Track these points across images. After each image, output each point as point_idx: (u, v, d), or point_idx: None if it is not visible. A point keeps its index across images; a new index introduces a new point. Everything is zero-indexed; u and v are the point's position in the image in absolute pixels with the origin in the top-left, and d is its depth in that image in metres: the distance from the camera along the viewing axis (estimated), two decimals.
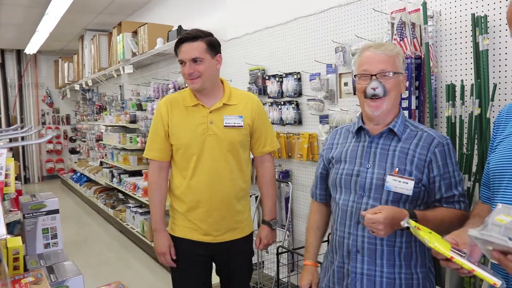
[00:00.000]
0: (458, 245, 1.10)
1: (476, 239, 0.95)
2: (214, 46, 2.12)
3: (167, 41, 4.83)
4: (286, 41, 3.47)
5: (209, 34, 2.14)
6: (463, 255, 1.05)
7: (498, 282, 0.98)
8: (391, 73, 1.54)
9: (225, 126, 2.10)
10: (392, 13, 2.43)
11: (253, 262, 3.43)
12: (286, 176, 3.53)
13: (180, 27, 4.66)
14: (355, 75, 1.64)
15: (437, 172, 1.52)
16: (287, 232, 3.42)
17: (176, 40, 2.11)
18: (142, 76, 6.34)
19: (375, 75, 1.53)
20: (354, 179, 1.59)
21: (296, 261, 3.30)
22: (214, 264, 2.32)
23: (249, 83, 3.82)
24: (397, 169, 1.52)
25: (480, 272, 1.00)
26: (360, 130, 1.66)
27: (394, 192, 1.51)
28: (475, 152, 2.11)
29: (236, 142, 2.12)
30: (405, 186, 1.49)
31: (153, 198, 2.21)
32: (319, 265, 1.85)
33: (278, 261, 3.04)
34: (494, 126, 1.32)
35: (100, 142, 7.74)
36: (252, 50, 3.85)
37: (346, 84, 2.92)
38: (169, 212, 2.31)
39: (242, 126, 2.13)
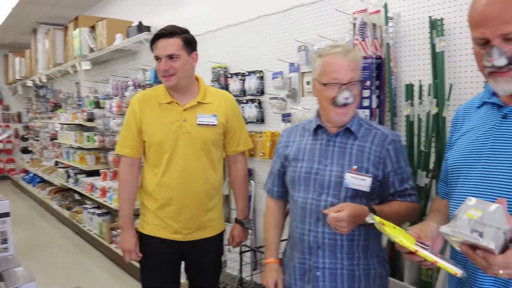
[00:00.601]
0: (421, 238, 1.13)
1: (447, 235, 0.98)
2: (190, 43, 2.10)
3: (127, 37, 4.71)
4: (249, 39, 3.46)
5: (186, 31, 2.11)
6: (426, 247, 1.09)
7: (459, 271, 1.03)
8: (358, 80, 1.58)
9: (198, 124, 2.09)
10: (354, 13, 2.47)
11: None
12: (249, 174, 3.52)
13: (140, 23, 4.55)
14: (317, 80, 1.61)
15: (391, 168, 1.59)
16: (250, 230, 3.41)
17: (153, 35, 2.09)
18: (100, 73, 6.15)
19: (345, 84, 1.54)
20: (313, 177, 1.62)
21: (259, 259, 3.30)
22: (183, 262, 2.31)
23: (212, 81, 3.78)
24: (355, 166, 1.56)
25: (442, 263, 1.04)
26: (317, 129, 1.68)
27: (352, 189, 1.55)
28: (432, 150, 2.18)
29: (209, 141, 2.11)
30: (363, 183, 1.55)
31: (123, 194, 2.18)
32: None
33: (241, 260, 3.03)
34: (451, 124, 1.36)
35: (55, 141, 7.44)
36: (215, 48, 3.82)
37: (308, 83, 2.95)
38: (139, 210, 2.27)
39: (216, 125, 2.12)
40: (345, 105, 1.55)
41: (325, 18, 2.82)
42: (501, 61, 1.04)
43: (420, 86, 2.27)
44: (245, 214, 2.33)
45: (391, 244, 2.32)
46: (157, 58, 2.04)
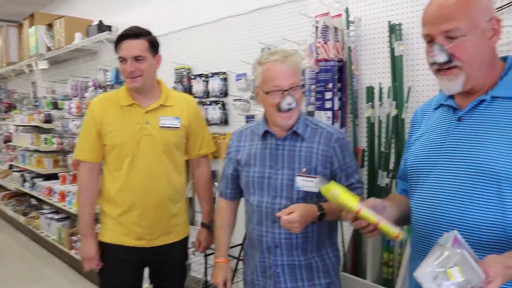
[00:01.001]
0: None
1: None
2: (154, 45, 2.07)
3: (87, 36, 4.58)
4: (212, 40, 3.44)
5: (150, 33, 2.08)
6: (370, 211, 1.13)
7: (400, 233, 1.09)
8: (299, 85, 1.62)
9: (161, 127, 2.06)
10: (316, 17, 2.51)
11: None
12: (212, 176, 3.49)
13: (101, 22, 4.43)
14: (260, 88, 1.64)
15: (338, 165, 1.66)
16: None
17: (117, 36, 2.04)
18: (58, 73, 5.94)
19: (287, 90, 1.58)
20: (267, 181, 1.68)
21: None
22: (147, 268, 2.26)
23: (175, 82, 3.74)
24: (304, 169, 1.62)
25: (384, 224, 1.08)
26: (266, 133, 1.71)
27: (303, 191, 1.62)
28: (392, 150, 2.25)
29: (171, 144, 2.08)
30: (312, 184, 1.60)
31: (83, 201, 2.12)
32: (229, 260, 1.92)
33: (206, 263, 3.01)
34: (410, 125, 1.41)
35: (9, 143, 7.11)
36: (178, 49, 3.77)
37: None
38: (99, 217, 2.20)
39: (178, 127, 2.09)
40: (289, 110, 1.59)
41: (289, 21, 2.85)
42: (441, 57, 1.08)
43: (380, 89, 2.33)
44: (212, 217, 2.30)
45: (354, 243, 2.37)
46: (122, 59, 1.99)
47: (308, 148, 1.65)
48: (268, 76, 1.59)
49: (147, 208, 2.05)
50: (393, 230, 1.08)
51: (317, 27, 2.49)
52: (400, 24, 2.25)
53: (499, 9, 1.95)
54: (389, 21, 2.28)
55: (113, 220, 2.09)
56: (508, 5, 1.93)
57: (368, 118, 2.33)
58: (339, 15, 2.45)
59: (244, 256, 1.89)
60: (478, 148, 1.08)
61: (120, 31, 2.08)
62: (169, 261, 2.19)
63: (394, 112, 2.22)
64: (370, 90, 2.34)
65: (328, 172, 1.65)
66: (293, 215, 1.49)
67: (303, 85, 1.67)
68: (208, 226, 2.29)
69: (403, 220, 1.33)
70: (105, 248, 2.11)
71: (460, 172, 1.10)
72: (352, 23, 2.43)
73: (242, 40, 3.19)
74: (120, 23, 4.29)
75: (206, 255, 3.02)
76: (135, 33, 1.99)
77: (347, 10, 2.39)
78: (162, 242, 2.12)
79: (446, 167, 1.14)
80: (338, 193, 1.13)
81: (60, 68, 5.92)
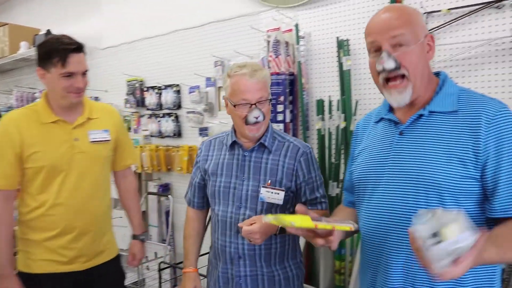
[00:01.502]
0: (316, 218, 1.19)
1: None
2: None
3: (33, 46, 4.41)
4: (165, 52, 3.43)
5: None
6: (320, 220, 1.14)
7: (352, 226, 1.11)
8: (267, 99, 1.65)
9: (91, 142, 1.93)
10: (268, 31, 2.57)
11: (133, 281, 3.29)
12: (166, 189, 3.46)
13: (49, 31, 4.29)
14: (228, 99, 1.66)
15: (303, 179, 1.68)
16: (169, 246, 3.34)
17: (58, 49, 1.82)
18: (2, 83, 5.67)
19: (255, 104, 1.60)
20: (232, 191, 1.69)
21: (179, 275, 3.24)
22: None
23: (127, 94, 3.68)
24: (269, 181, 1.65)
25: (339, 225, 1.11)
26: (234, 144, 1.73)
27: (267, 202, 1.64)
28: (342, 161, 2.32)
29: (104, 158, 1.98)
30: (277, 196, 1.63)
31: (0, 236, 1.85)
32: (198, 270, 1.89)
33: (160, 278, 2.95)
34: (352, 137, 1.44)
35: None
36: (130, 60, 3.72)
37: None
38: (18, 247, 1.97)
39: (109, 140, 1.99)
40: (256, 123, 1.62)
41: (241, 35, 2.89)
42: (390, 64, 1.12)
43: (330, 102, 2.42)
44: (143, 228, 2.23)
45: (307, 251, 2.42)
46: (70, 74, 1.81)
47: (274, 161, 1.67)
48: (236, 89, 1.61)
49: (82, 229, 1.91)
50: (347, 225, 1.11)
51: (268, 41, 2.55)
52: (347, 40, 2.35)
53: (434, 30, 2.09)
54: (338, 37, 2.38)
55: (41, 247, 1.89)
56: (443, 25, 2.07)
57: (319, 130, 2.40)
58: (290, 30, 2.52)
59: (208, 266, 1.87)
60: (419, 161, 1.12)
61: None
62: (108, 281, 2.05)
63: (342, 124, 2.31)
64: (320, 103, 2.42)
65: (293, 185, 1.66)
66: (254, 226, 1.50)
67: (271, 99, 1.69)
68: (140, 238, 2.20)
69: (350, 232, 1.34)
70: (33, 280, 1.89)
71: (404, 184, 1.14)
72: (302, 38, 2.51)
73: (195, 53, 3.20)
74: (70, 32, 4.15)
75: (160, 270, 2.97)
76: (78, 45, 1.85)
77: (297, 26, 2.47)
78: (97, 263, 1.97)
79: (391, 179, 1.17)
80: (293, 223, 1.10)
81: (4, 78, 5.65)
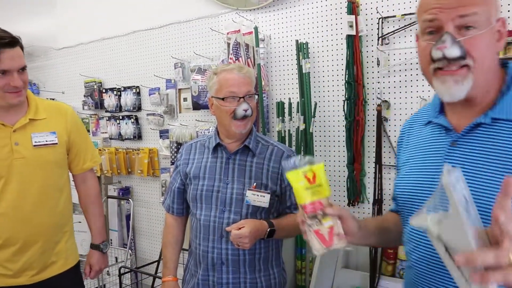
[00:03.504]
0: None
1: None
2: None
3: None
4: (125, 54, 3.36)
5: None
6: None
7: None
8: (254, 94, 1.66)
9: (34, 146, 1.76)
10: (228, 33, 2.57)
11: (93, 287, 3.21)
12: (126, 193, 3.40)
13: None
14: (214, 97, 1.65)
15: (288, 183, 1.65)
16: (130, 251, 3.28)
17: None
18: None
19: (243, 97, 1.60)
20: (215, 194, 1.65)
21: (140, 280, 3.19)
22: None
23: (85, 96, 3.58)
24: (255, 183, 1.62)
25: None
26: (217, 147, 1.70)
27: (253, 205, 1.61)
28: None
29: (51, 163, 1.82)
30: (262, 199, 1.61)
31: None
32: (178, 279, 1.83)
33: (120, 283, 2.90)
34: (397, 142, 1.19)
35: None
36: (88, 61, 3.62)
37: (185, 99, 2.97)
38: None
39: (56, 143, 1.82)
40: (244, 117, 1.60)
41: (201, 37, 2.88)
42: (454, 51, 0.85)
43: (290, 104, 2.45)
44: (103, 237, 2.08)
45: None
46: (3, 72, 1.64)
47: (259, 164, 1.65)
48: (224, 84, 1.61)
49: (28, 241, 1.77)
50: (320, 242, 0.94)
51: (229, 44, 2.56)
52: (307, 43, 2.39)
53: (389, 34, 2.16)
54: (297, 40, 2.41)
55: None
56: (398, 30, 2.14)
57: (279, 132, 2.43)
58: (250, 32, 2.53)
59: (185, 274, 1.81)
60: (476, 184, 0.87)
61: (22, 42, 1.77)
62: None
63: (302, 126, 2.34)
64: (280, 105, 2.44)
65: (278, 189, 1.64)
66: (243, 230, 1.46)
67: (257, 97, 1.68)
68: (99, 247, 2.05)
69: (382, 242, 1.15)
70: None
71: None
72: (262, 40, 2.53)
73: (155, 55, 3.16)
74: (22, 32, 4.00)
75: (120, 275, 2.91)
76: (12, 39, 1.67)
77: (256, 29, 2.48)
78: (48, 275, 1.83)
79: None
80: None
81: None
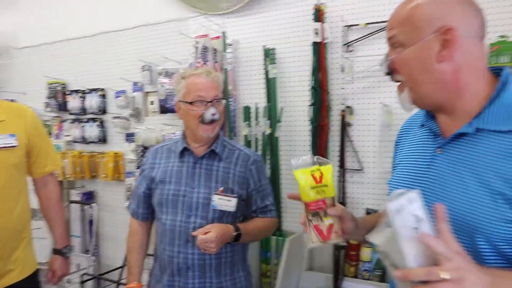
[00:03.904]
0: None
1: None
2: None
3: None
4: (91, 55, 3.30)
5: None
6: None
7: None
8: (221, 98, 1.67)
9: None
10: (196, 37, 2.58)
11: None
12: (90, 197, 3.32)
13: None
14: (182, 101, 1.65)
15: (254, 187, 1.69)
16: (93, 257, 3.20)
17: None
18: None
19: (211, 101, 1.61)
20: (182, 199, 1.64)
21: (103, 287, 3.11)
22: None
23: (48, 97, 3.49)
24: (221, 188, 1.63)
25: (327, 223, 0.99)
26: (184, 151, 1.70)
27: (219, 209, 1.61)
28: (268, 166, 2.38)
29: (10, 166, 1.77)
30: (229, 203, 1.62)
31: None
32: (143, 285, 1.80)
33: None
34: (396, 142, 1.20)
35: None
36: (52, 62, 3.53)
37: (152, 102, 2.95)
38: None
39: (16, 146, 1.78)
40: (212, 121, 1.61)
41: (169, 40, 2.87)
42: (384, 68, 0.96)
43: (256, 109, 2.47)
44: (66, 242, 2.03)
45: None
46: None
47: (226, 168, 1.66)
48: (192, 88, 1.61)
49: None
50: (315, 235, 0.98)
51: (197, 48, 2.56)
52: (274, 49, 2.42)
53: (353, 42, 2.23)
54: (264, 46, 2.44)
55: None
56: (362, 38, 2.21)
57: (245, 136, 2.45)
58: (218, 37, 2.55)
59: (150, 280, 1.78)
60: (453, 191, 0.88)
61: None
62: None
63: (268, 131, 2.37)
64: (247, 109, 2.47)
65: (244, 193, 1.66)
66: (210, 234, 1.46)
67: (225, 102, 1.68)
68: (62, 252, 2.00)
69: None
70: None
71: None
72: (230, 45, 2.55)
73: (122, 57, 3.12)
74: None
75: (82, 282, 2.84)
76: None
77: (224, 34, 2.50)
78: (5, 284, 1.76)
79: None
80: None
81: None
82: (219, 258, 1.64)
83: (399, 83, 0.95)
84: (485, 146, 0.86)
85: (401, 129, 1.16)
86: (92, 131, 3.23)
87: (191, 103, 1.61)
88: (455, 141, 0.91)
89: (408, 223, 0.73)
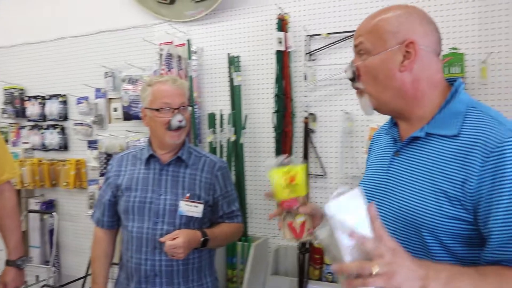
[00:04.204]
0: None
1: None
2: None
3: None
4: (51, 60, 3.22)
5: None
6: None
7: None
8: (188, 105, 1.69)
9: None
10: (160, 44, 2.58)
11: None
12: (50, 206, 3.23)
13: None
14: (148, 108, 1.65)
15: (220, 193, 1.71)
16: (53, 268, 3.11)
17: None
18: None
19: (177, 108, 1.62)
20: (148, 206, 1.64)
21: None
22: None
23: (4, 103, 3.37)
24: (188, 194, 1.64)
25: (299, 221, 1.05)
26: (150, 158, 1.70)
27: (186, 216, 1.62)
28: (233, 172, 2.41)
29: None
30: (196, 209, 1.63)
31: None
32: None
33: None
34: (368, 147, 1.28)
35: None
36: (8, 66, 3.42)
37: (116, 109, 2.91)
38: None
39: None
40: (179, 128, 1.62)
41: (133, 46, 2.85)
42: (348, 73, 1.03)
43: (221, 116, 2.49)
44: (21, 252, 1.96)
45: None
46: None
47: (192, 175, 1.67)
48: (158, 95, 1.62)
49: None
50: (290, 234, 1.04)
51: (161, 55, 2.56)
52: (238, 57, 2.46)
53: (315, 51, 2.30)
54: (229, 53, 2.48)
55: None
56: (324, 48, 2.28)
57: (210, 143, 2.46)
58: (183, 44, 2.56)
59: (118, 286, 1.77)
60: (404, 191, 0.97)
61: None
62: None
63: (233, 138, 2.40)
64: (211, 116, 2.48)
65: (210, 199, 1.68)
66: (178, 240, 1.48)
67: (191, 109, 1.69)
68: (16, 263, 1.93)
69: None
70: None
71: (386, 213, 1.00)
72: (195, 53, 2.56)
73: (84, 63, 3.07)
74: None
75: None
76: None
77: (189, 41, 2.52)
78: None
79: (380, 206, 1.01)
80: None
81: None
82: (186, 264, 1.65)
83: (357, 90, 1.03)
84: (433, 148, 0.94)
85: (373, 137, 1.24)
86: (52, 138, 3.15)
87: (158, 110, 1.62)
88: (410, 144, 1.00)
89: (347, 220, 0.79)
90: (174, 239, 1.50)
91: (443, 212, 0.88)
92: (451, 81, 1.01)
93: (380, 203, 1.01)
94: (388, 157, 1.06)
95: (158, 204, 1.64)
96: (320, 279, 2.25)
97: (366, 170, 1.18)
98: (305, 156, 2.32)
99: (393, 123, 1.08)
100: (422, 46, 0.94)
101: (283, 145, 2.34)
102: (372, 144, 1.23)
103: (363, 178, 1.16)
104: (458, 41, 2.04)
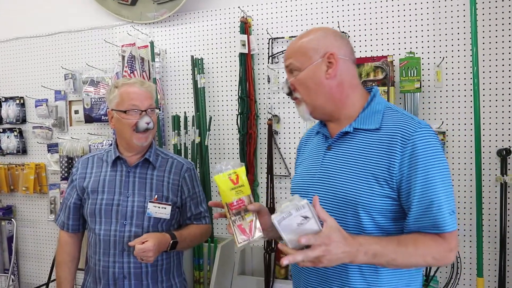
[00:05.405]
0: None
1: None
2: None
3: None
4: (7, 61, 3.12)
5: None
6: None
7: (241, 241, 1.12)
8: (155, 107, 1.68)
9: None
10: (122, 46, 2.55)
11: None
12: (8, 212, 3.12)
13: None
14: (115, 109, 1.64)
15: (188, 194, 1.71)
16: (12, 276, 3.01)
17: None
18: None
19: (145, 110, 1.61)
20: (115, 208, 1.62)
21: None
22: None
23: None
24: (156, 196, 1.64)
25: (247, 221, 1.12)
26: (116, 160, 1.69)
27: (154, 217, 1.63)
28: (198, 174, 2.41)
29: None
30: (164, 211, 1.64)
31: None
32: None
33: None
34: (297, 150, 1.44)
35: None
36: None
37: (77, 112, 2.85)
38: None
39: None
40: (146, 130, 1.62)
41: (94, 48, 2.80)
42: (285, 89, 1.21)
43: (186, 118, 2.49)
44: None
45: None
46: None
47: (159, 177, 1.66)
48: (126, 97, 1.61)
49: None
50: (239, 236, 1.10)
51: (123, 56, 2.53)
52: (202, 59, 2.47)
53: (278, 54, 2.34)
54: (192, 56, 2.48)
55: None
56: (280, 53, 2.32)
57: (175, 145, 2.46)
58: (146, 46, 2.54)
59: None
60: (339, 177, 1.14)
61: None
62: None
63: (197, 139, 2.40)
64: (176, 118, 2.48)
65: (178, 200, 1.68)
66: (147, 244, 1.47)
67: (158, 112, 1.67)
68: None
69: None
70: None
71: (325, 199, 1.15)
72: (158, 55, 2.55)
73: (43, 64, 2.99)
74: None
75: None
76: None
77: (152, 43, 2.50)
78: None
79: (318, 194, 1.13)
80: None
81: None
82: (155, 266, 1.65)
83: (296, 99, 1.21)
84: (361, 140, 1.15)
85: (300, 141, 1.43)
86: (9, 141, 3.05)
87: (125, 112, 1.61)
88: (340, 139, 1.19)
89: (293, 223, 0.95)
90: (143, 242, 1.49)
91: (374, 192, 1.08)
92: (369, 89, 1.23)
93: (318, 191, 1.17)
94: (321, 152, 1.23)
95: (126, 206, 1.63)
96: (286, 278, 2.30)
97: (297, 168, 1.35)
98: (270, 157, 2.36)
99: (323, 124, 1.27)
100: (340, 56, 1.15)
101: (247, 146, 2.37)
102: (300, 146, 1.41)
103: (296, 175, 1.33)
104: (414, 46, 2.14)
